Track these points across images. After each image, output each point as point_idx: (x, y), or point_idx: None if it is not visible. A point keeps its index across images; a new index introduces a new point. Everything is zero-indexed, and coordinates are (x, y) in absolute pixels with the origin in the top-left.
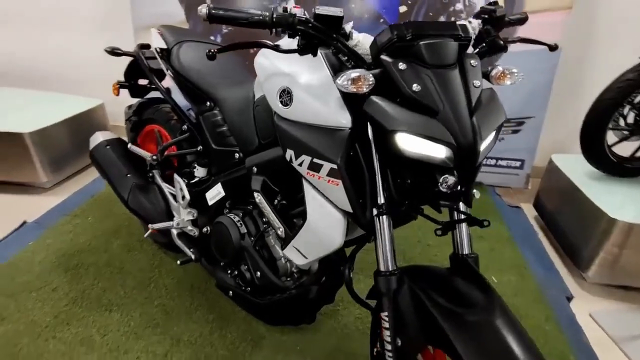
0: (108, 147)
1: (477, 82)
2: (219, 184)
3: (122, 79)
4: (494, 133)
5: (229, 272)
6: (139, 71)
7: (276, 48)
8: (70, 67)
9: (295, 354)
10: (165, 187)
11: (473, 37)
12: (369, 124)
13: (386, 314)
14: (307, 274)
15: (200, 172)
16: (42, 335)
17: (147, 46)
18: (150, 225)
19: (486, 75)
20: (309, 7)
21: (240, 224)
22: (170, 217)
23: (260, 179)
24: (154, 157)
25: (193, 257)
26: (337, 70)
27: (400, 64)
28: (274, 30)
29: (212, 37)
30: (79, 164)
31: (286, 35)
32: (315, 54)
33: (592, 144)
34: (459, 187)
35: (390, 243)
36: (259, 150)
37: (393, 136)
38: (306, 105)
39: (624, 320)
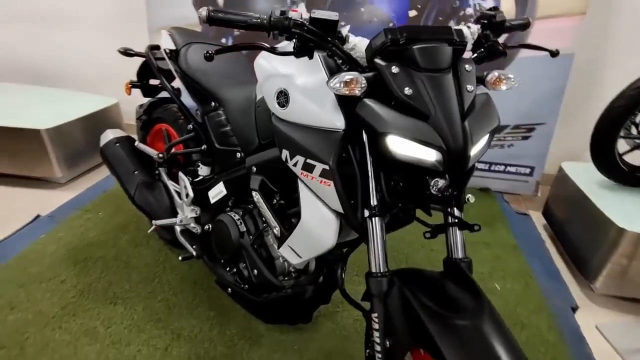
0: (117, 144)
1: (470, 87)
2: (221, 183)
3: (135, 79)
4: (486, 137)
5: (228, 269)
6: (150, 71)
7: (273, 50)
8: (87, 67)
9: (293, 353)
10: (171, 184)
11: (472, 41)
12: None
13: (376, 315)
14: (305, 273)
15: (203, 170)
16: (49, 324)
17: (157, 47)
18: (153, 221)
19: (482, 80)
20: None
21: (240, 222)
22: (174, 214)
23: (259, 178)
24: (160, 155)
25: (194, 253)
26: (334, 72)
27: (394, 67)
28: (271, 33)
29: (223, 40)
30: (93, 160)
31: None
32: (311, 57)
33: (603, 152)
34: (450, 191)
35: (382, 245)
36: (259, 150)
37: (384, 139)
38: (302, 107)
39: (631, 333)
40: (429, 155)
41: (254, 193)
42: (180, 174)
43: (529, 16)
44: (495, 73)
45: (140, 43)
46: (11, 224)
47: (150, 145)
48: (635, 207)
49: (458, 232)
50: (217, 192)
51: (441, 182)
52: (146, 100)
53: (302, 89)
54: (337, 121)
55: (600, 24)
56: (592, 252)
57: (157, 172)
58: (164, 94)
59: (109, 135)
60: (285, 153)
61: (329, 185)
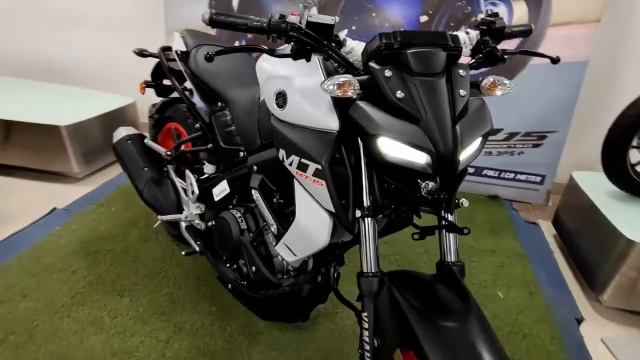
0: (129, 141)
1: (462, 92)
2: (225, 181)
3: (149, 79)
4: (477, 142)
5: (229, 265)
6: (163, 72)
7: (271, 52)
8: (106, 67)
9: (291, 351)
10: (178, 181)
11: (470, 47)
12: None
13: (366, 314)
14: (304, 273)
15: (209, 168)
16: (58, 313)
17: (170, 48)
18: (159, 216)
19: (477, 86)
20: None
21: (241, 220)
22: (180, 210)
23: (259, 177)
24: (168, 153)
25: (197, 249)
26: (331, 75)
27: (387, 71)
28: (271, 35)
29: (237, 43)
30: (109, 157)
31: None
32: (308, 59)
33: (614, 162)
34: (441, 194)
35: (374, 245)
36: (260, 150)
37: (375, 140)
38: (299, 108)
39: (637, 347)
40: (419, 158)
41: (253, 191)
42: (187, 171)
43: (542, 23)
44: (491, 78)
45: (158, 44)
46: (28, 215)
47: (162, 143)
48: None
49: (451, 236)
50: (221, 190)
51: (431, 185)
52: (159, 99)
53: (299, 91)
54: (331, 123)
55: (615, 32)
56: (600, 263)
57: (165, 169)
58: (176, 94)
59: (121, 132)
60: (282, 152)
61: (322, 184)
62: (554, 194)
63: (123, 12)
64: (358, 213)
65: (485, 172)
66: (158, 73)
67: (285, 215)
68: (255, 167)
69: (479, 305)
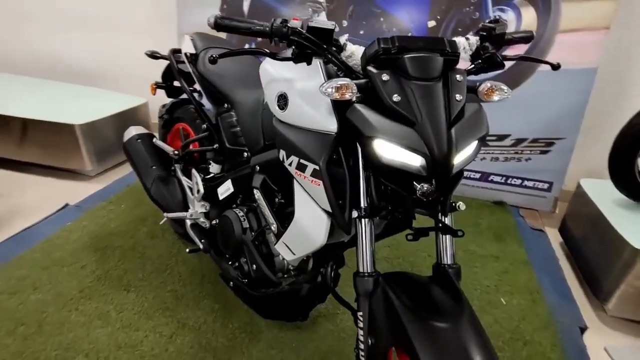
0: (139, 140)
1: (459, 96)
2: (229, 181)
3: (160, 80)
4: (473, 145)
5: (231, 263)
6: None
7: (273, 56)
8: (120, 67)
9: (290, 350)
10: (185, 180)
11: (470, 52)
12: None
13: (361, 313)
14: (304, 272)
15: (214, 168)
16: (66, 306)
17: (179, 51)
18: (165, 214)
19: (474, 91)
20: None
21: (244, 219)
22: (186, 208)
23: (261, 177)
24: (176, 152)
25: (201, 246)
26: (332, 78)
27: (384, 75)
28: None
29: (247, 46)
30: (120, 156)
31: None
32: (309, 63)
33: (621, 170)
34: (436, 196)
35: (370, 246)
36: (263, 151)
37: (371, 142)
38: (299, 110)
39: None
40: (413, 160)
41: (255, 191)
42: (193, 170)
43: (551, 29)
44: (488, 84)
45: (171, 47)
46: (41, 210)
47: (171, 143)
48: None
49: (448, 239)
50: (226, 189)
51: (426, 187)
52: (169, 100)
53: (300, 93)
54: (330, 125)
55: (624, 39)
56: (605, 272)
57: (173, 168)
58: (185, 95)
59: (131, 131)
60: (282, 153)
61: (319, 184)
62: (561, 202)
63: (138, 15)
64: (355, 214)
65: (491, 177)
66: (168, 75)
67: (286, 214)
68: (258, 167)
69: (471, 307)
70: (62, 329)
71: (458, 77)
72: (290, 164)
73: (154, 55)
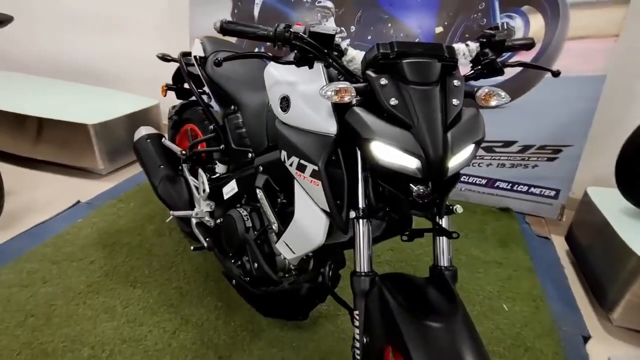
0: (148, 140)
1: (456, 101)
2: (234, 181)
3: (171, 82)
4: (469, 149)
5: (234, 262)
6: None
7: (276, 59)
8: (132, 69)
9: (290, 349)
10: (191, 180)
11: (469, 59)
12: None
13: (357, 312)
14: (305, 272)
15: (220, 168)
16: (74, 299)
17: (189, 54)
18: (171, 212)
19: (472, 96)
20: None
21: (247, 218)
22: (192, 207)
23: (264, 177)
24: (183, 152)
25: (206, 245)
26: (333, 82)
27: (382, 79)
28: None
29: (256, 49)
30: (131, 156)
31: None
32: (311, 67)
33: (629, 178)
34: (432, 199)
35: (368, 246)
36: (267, 152)
37: (368, 144)
38: (301, 112)
39: None
40: (409, 163)
41: (258, 190)
42: (200, 170)
43: (559, 36)
44: (485, 89)
45: (182, 50)
46: (54, 207)
47: (179, 143)
48: None
49: (445, 241)
50: (230, 189)
51: (421, 189)
52: (179, 102)
53: (302, 96)
54: (330, 127)
55: (633, 47)
56: (611, 281)
57: (180, 167)
58: (194, 97)
59: (142, 131)
60: (283, 154)
61: (318, 185)
62: (568, 209)
63: (151, 19)
64: (353, 214)
65: (498, 184)
66: (178, 77)
67: (287, 214)
68: (261, 168)
69: (465, 308)
70: (69, 322)
71: (455, 82)
72: (291, 165)
73: (164, 58)
